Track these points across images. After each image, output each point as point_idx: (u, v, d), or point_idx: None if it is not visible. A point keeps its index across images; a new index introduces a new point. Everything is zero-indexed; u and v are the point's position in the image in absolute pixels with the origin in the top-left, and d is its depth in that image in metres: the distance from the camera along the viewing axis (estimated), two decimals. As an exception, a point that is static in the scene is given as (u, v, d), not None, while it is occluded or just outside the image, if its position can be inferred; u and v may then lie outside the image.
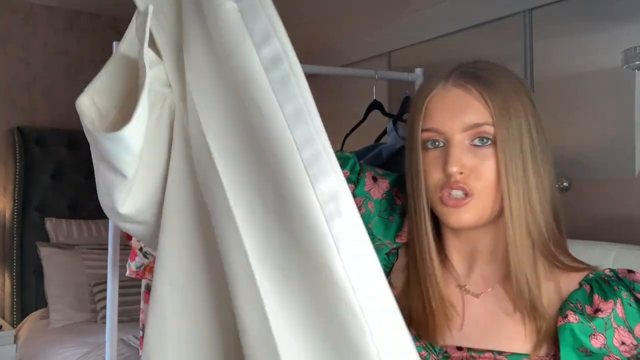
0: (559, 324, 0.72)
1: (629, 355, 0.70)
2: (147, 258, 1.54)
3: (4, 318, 2.90)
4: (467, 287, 0.81)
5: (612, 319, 0.71)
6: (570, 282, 0.76)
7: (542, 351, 0.73)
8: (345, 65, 3.48)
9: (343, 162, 0.92)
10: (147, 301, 1.73)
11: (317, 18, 3.36)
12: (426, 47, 3.10)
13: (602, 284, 0.74)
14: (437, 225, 0.83)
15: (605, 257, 1.02)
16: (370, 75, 1.98)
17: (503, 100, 0.74)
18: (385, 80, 2.27)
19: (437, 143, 0.77)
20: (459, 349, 0.75)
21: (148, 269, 1.56)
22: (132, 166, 0.70)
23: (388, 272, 0.88)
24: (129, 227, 0.82)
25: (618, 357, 0.70)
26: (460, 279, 0.82)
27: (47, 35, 3.15)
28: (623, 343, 0.71)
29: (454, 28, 2.87)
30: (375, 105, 1.96)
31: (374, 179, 0.94)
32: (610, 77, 1.78)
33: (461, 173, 0.74)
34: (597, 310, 0.72)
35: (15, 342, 2.61)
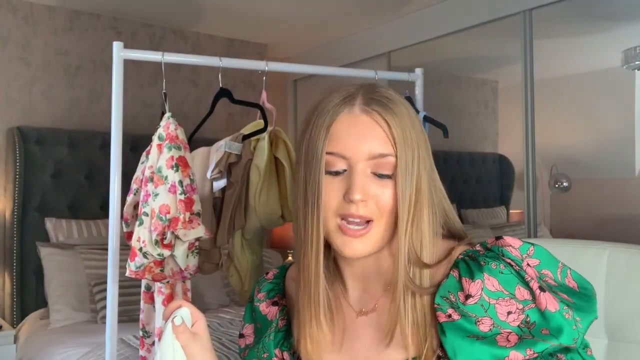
0: (442, 320, 0.74)
1: (518, 323, 0.72)
2: (147, 258, 1.54)
3: (4, 318, 2.90)
4: (363, 309, 0.85)
5: (486, 298, 0.73)
6: (443, 269, 0.79)
7: (433, 346, 0.76)
8: (345, 65, 3.48)
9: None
10: (147, 301, 1.73)
11: (317, 18, 3.36)
12: (426, 47, 3.10)
13: (469, 262, 0.76)
14: (328, 254, 0.87)
15: (599, 256, 1.03)
16: (370, 75, 1.98)
17: (403, 131, 0.77)
18: (385, 80, 2.27)
19: (337, 169, 0.78)
20: None
21: (148, 269, 1.56)
22: None
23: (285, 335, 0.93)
24: None
25: (509, 330, 0.72)
26: (356, 304, 0.86)
27: (47, 35, 3.15)
28: (510, 313, 0.72)
29: (454, 28, 2.88)
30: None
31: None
32: (610, 77, 1.78)
33: (363, 201, 0.76)
34: (468, 297, 0.74)
35: (15, 342, 2.61)
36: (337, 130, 0.78)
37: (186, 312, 0.85)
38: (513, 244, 0.76)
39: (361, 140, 0.77)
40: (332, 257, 0.88)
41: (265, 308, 0.96)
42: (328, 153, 0.78)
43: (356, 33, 3.60)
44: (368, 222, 0.77)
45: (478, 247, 0.79)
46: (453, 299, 0.75)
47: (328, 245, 0.85)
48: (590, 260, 1.04)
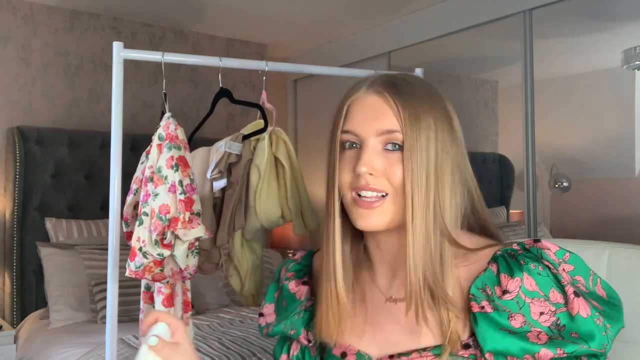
0: (475, 310, 0.77)
1: (549, 324, 0.75)
2: (147, 258, 1.54)
3: (4, 318, 2.90)
4: (393, 296, 0.87)
5: (522, 296, 0.76)
6: (478, 265, 0.81)
7: (464, 335, 0.78)
8: (345, 65, 3.48)
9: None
10: (147, 301, 1.73)
11: (317, 18, 3.36)
12: (426, 47, 3.10)
13: (509, 260, 0.79)
14: (360, 241, 0.90)
15: (599, 256, 1.02)
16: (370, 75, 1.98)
17: (414, 112, 0.80)
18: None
19: (353, 144, 0.83)
20: (391, 357, 0.82)
21: (148, 269, 1.56)
22: None
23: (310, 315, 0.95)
24: None
25: (540, 330, 0.75)
26: (385, 290, 0.88)
27: (47, 35, 3.15)
28: (542, 313, 0.75)
29: (454, 28, 2.88)
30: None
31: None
32: (610, 77, 1.78)
33: (371, 174, 0.80)
34: (505, 292, 0.76)
35: (15, 342, 2.61)
36: (351, 110, 0.84)
37: (163, 327, 0.83)
38: (550, 248, 0.79)
39: (370, 118, 0.82)
40: (363, 243, 0.91)
41: (295, 287, 0.98)
42: (343, 131, 0.84)
43: (356, 33, 3.60)
44: (383, 196, 0.80)
45: (516, 247, 0.81)
46: (489, 292, 0.77)
47: (359, 232, 0.88)
48: (590, 260, 1.04)
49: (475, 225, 0.89)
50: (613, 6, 1.81)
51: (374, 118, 0.81)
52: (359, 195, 0.81)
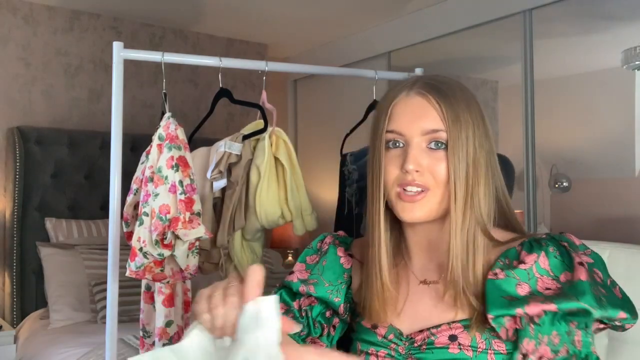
0: (489, 277, 0.84)
1: (551, 294, 0.79)
2: (147, 258, 1.54)
3: (4, 318, 2.90)
4: (426, 279, 0.92)
5: (534, 270, 0.82)
6: (506, 248, 0.87)
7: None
8: (345, 65, 3.49)
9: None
10: (147, 301, 1.73)
11: (317, 18, 3.36)
12: (426, 47, 3.10)
13: (533, 243, 0.85)
14: (398, 228, 0.95)
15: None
16: (370, 75, 1.98)
17: (455, 111, 0.86)
18: (385, 80, 2.27)
19: (397, 143, 0.88)
20: (421, 331, 0.88)
21: (148, 269, 1.56)
22: None
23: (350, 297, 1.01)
24: None
25: (542, 297, 0.79)
26: (419, 273, 0.94)
27: (47, 35, 3.15)
28: (548, 289, 0.81)
29: (454, 28, 2.88)
30: (375, 105, 1.95)
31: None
32: (610, 77, 1.78)
33: (417, 171, 0.86)
34: (520, 263, 0.83)
35: (15, 342, 2.61)
36: (395, 111, 0.89)
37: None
38: (574, 239, 0.85)
39: (414, 118, 0.87)
40: (400, 230, 0.96)
41: (342, 254, 1.04)
42: (388, 131, 0.89)
43: (356, 33, 3.60)
44: (423, 190, 0.86)
45: (544, 236, 0.86)
46: (507, 263, 0.84)
47: (397, 220, 0.93)
48: (590, 260, 1.04)
49: (502, 221, 0.94)
50: (613, 6, 1.81)
51: (419, 118, 0.86)
52: (404, 190, 0.86)
